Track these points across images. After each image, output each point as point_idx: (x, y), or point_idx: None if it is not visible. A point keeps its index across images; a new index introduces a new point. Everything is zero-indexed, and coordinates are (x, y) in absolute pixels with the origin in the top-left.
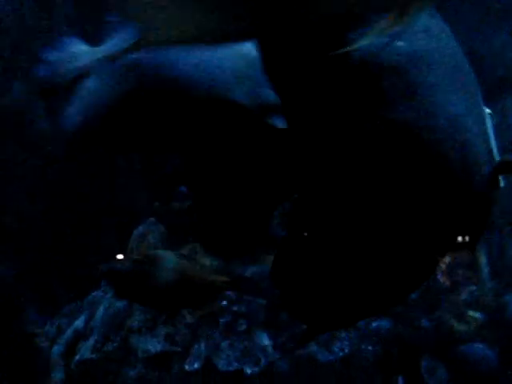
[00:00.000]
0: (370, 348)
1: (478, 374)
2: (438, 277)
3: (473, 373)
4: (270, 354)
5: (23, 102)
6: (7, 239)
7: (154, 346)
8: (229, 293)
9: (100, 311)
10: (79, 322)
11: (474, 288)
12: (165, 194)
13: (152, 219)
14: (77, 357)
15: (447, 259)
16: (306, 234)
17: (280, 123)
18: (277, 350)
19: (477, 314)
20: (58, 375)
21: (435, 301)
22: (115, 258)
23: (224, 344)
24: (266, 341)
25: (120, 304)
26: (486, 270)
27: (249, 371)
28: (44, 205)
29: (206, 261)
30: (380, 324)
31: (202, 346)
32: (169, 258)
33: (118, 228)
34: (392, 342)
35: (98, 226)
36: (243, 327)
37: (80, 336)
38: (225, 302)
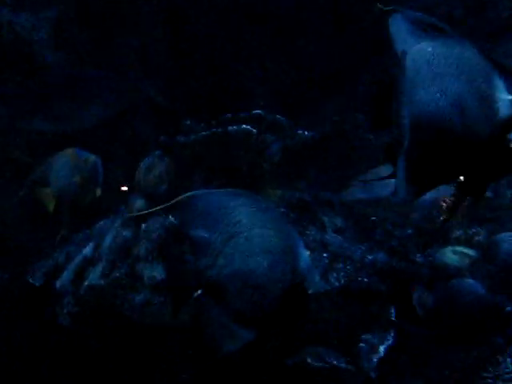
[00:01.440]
0: (365, 279)
1: (467, 307)
2: (436, 214)
3: (462, 306)
4: None
5: None
6: None
7: (159, 273)
8: None
9: (108, 239)
10: (87, 250)
11: (467, 225)
12: (171, 127)
13: (158, 152)
14: (85, 283)
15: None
16: None
17: None
18: None
19: (470, 251)
20: (67, 300)
21: (430, 237)
22: (122, 191)
23: None
24: None
25: (127, 233)
26: None
27: None
28: None
29: None
30: (376, 257)
31: None
32: None
33: (124, 161)
34: (387, 274)
35: (104, 159)
36: None
37: (88, 263)
38: None
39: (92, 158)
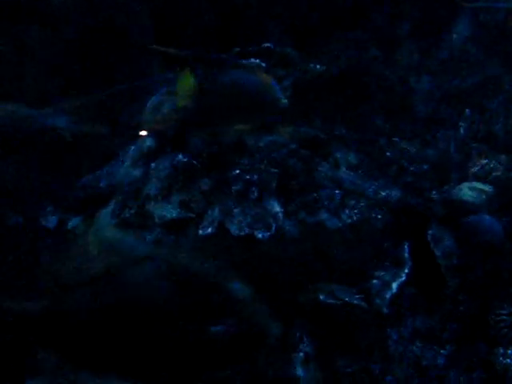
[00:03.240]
0: (378, 216)
1: (484, 243)
2: (451, 150)
3: (478, 242)
4: (281, 220)
5: None
6: None
7: (169, 212)
8: (242, 161)
9: (117, 180)
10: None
11: (485, 162)
12: (177, 64)
13: (165, 89)
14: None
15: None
16: None
17: None
18: (287, 217)
19: (486, 187)
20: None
21: (446, 174)
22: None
23: (236, 210)
24: (276, 208)
25: (137, 172)
26: None
27: (259, 236)
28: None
29: None
30: (390, 193)
31: (216, 212)
32: None
33: (132, 99)
34: (401, 211)
35: (113, 98)
36: (255, 195)
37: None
38: (237, 171)
39: None
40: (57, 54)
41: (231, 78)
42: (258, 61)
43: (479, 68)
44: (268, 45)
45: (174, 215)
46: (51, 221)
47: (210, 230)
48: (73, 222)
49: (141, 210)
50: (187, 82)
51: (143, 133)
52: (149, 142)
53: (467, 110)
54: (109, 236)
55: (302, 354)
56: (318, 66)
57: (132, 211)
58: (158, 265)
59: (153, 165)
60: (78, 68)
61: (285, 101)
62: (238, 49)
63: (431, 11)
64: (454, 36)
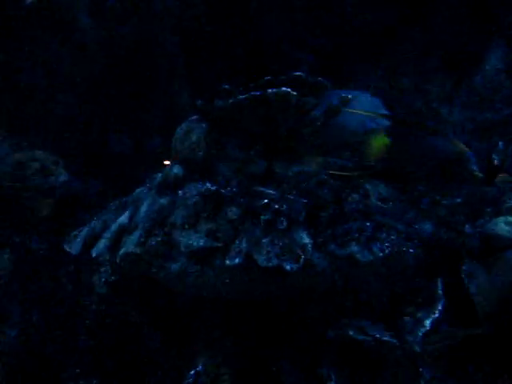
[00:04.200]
0: (411, 250)
1: None
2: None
3: None
4: (309, 252)
5: None
6: None
7: (196, 241)
8: (270, 191)
9: (144, 207)
10: (124, 218)
11: None
12: (208, 91)
13: (195, 117)
14: (121, 250)
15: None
16: None
17: None
18: (316, 248)
19: None
20: (103, 268)
21: (480, 208)
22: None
23: (265, 241)
24: (305, 239)
25: (164, 200)
26: None
27: (288, 267)
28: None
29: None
30: (422, 227)
31: (244, 241)
32: None
33: (161, 126)
34: (433, 245)
35: (142, 125)
36: (284, 225)
37: (124, 231)
38: (266, 200)
39: None
40: (86, 80)
41: (427, 143)
42: (289, 90)
43: None
44: (299, 73)
45: (201, 244)
46: (75, 247)
47: (237, 260)
48: (97, 249)
49: (167, 237)
50: (380, 141)
51: (170, 159)
52: (176, 169)
53: (500, 142)
54: None
55: None
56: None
57: (158, 239)
58: None
59: (180, 192)
60: (107, 94)
61: (480, 175)
62: (268, 77)
63: (464, 41)
64: (487, 67)
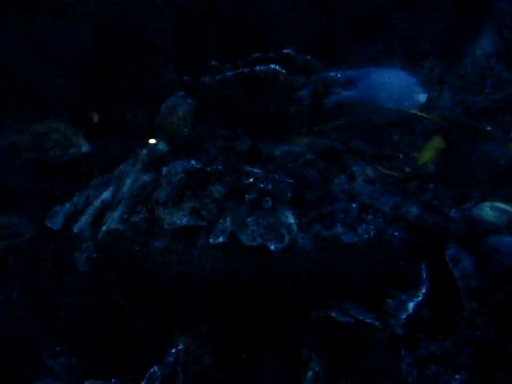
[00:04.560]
0: (396, 233)
1: (504, 265)
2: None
3: (499, 264)
4: (294, 232)
5: None
6: None
7: (180, 218)
8: (256, 170)
9: (127, 183)
10: (106, 194)
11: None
12: (195, 67)
13: (181, 93)
14: (104, 227)
15: None
16: None
17: None
18: (301, 229)
19: (508, 208)
20: (85, 245)
21: (466, 193)
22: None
23: (249, 220)
24: (291, 219)
25: (147, 177)
26: None
27: (272, 247)
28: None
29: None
30: (407, 210)
31: (228, 220)
32: None
33: (147, 102)
34: (419, 229)
35: (128, 100)
36: (269, 204)
37: (107, 207)
38: (252, 179)
39: None
40: (72, 54)
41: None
42: (277, 67)
43: (502, 85)
44: (288, 51)
45: (185, 222)
46: (56, 223)
47: (220, 238)
48: (79, 225)
49: (150, 215)
50: (436, 145)
51: (156, 136)
52: (161, 146)
53: (489, 127)
54: None
55: (311, 373)
56: (338, 75)
57: (141, 216)
58: None
59: (164, 169)
60: (93, 67)
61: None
62: (257, 54)
63: (454, 26)
64: (478, 53)
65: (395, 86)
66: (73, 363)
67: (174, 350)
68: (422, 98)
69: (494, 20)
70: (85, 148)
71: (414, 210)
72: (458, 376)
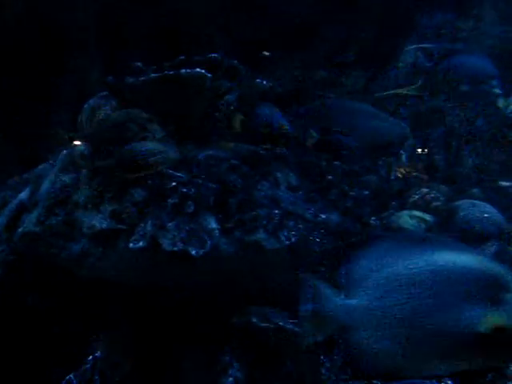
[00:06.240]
0: (317, 239)
1: None
2: (392, 178)
3: None
4: (217, 237)
5: None
6: None
7: (99, 222)
8: (179, 174)
9: (46, 184)
10: (23, 195)
11: (426, 191)
12: (119, 67)
13: (104, 93)
14: (20, 229)
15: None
16: None
17: None
18: (224, 234)
19: (426, 216)
20: (0, 248)
21: (386, 201)
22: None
23: (170, 225)
24: (213, 224)
25: (67, 178)
26: None
27: (194, 252)
28: None
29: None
30: (329, 217)
31: (149, 224)
32: None
33: (70, 102)
34: (339, 235)
35: (47, 99)
36: (191, 209)
37: (24, 209)
38: (174, 183)
39: None
40: None
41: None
42: (203, 71)
43: (423, 98)
44: (215, 55)
45: (104, 226)
46: None
47: (141, 243)
48: None
49: (68, 217)
50: None
51: (77, 136)
52: (82, 147)
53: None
54: None
55: (231, 380)
56: (264, 82)
57: (59, 218)
58: None
59: (84, 171)
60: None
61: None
62: (182, 57)
63: (381, 38)
64: (400, 64)
65: None
66: None
67: (91, 357)
68: None
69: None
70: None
71: (335, 216)
72: None
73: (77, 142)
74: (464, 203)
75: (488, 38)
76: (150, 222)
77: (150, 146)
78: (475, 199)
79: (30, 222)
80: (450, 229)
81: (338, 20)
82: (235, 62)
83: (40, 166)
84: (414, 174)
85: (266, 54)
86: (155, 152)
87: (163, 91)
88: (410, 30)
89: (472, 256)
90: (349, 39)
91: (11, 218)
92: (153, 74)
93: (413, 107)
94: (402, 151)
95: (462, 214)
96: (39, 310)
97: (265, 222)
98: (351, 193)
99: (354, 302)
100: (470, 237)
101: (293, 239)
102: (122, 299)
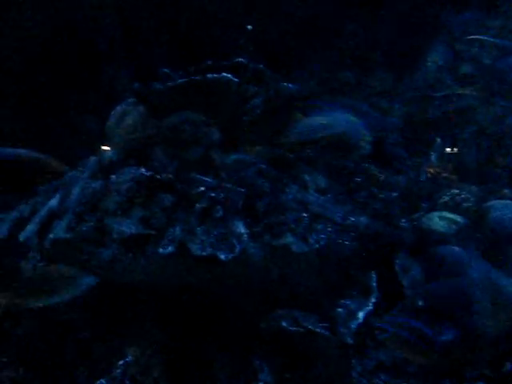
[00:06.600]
0: (346, 242)
1: (452, 275)
2: (422, 179)
3: (447, 274)
4: (245, 241)
5: None
6: None
7: (128, 227)
8: (207, 179)
9: (76, 191)
10: (54, 202)
11: (456, 192)
12: (146, 74)
13: (131, 99)
14: (51, 236)
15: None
16: None
17: None
18: (252, 238)
19: (457, 218)
20: (32, 253)
21: (416, 203)
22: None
23: (199, 229)
24: (241, 229)
25: (96, 185)
26: None
27: (223, 257)
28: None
29: None
30: (358, 219)
31: (177, 229)
32: None
33: (98, 108)
34: (369, 238)
35: (78, 106)
36: (219, 214)
37: (55, 215)
38: (202, 188)
39: None
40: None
41: None
42: (230, 76)
43: (452, 98)
44: (241, 60)
45: (133, 231)
46: (1, 231)
47: (170, 248)
48: (25, 233)
49: (99, 223)
50: None
51: (105, 143)
52: (110, 153)
53: (438, 139)
54: None
55: None
56: (290, 86)
57: (89, 224)
58: None
59: (113, 177)
60: (42, 75)
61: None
62: (209, 62)
63: (406, 38)
64: (429, 64)
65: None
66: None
67: (122, 362)
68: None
69: (445, 33)
70: None
71: (364, 219)
72: None
73: (105, 148)
74: (495, 204)
75: None
76: (178, 226)
77: None
78: (507, 200)
79: (60, 229)
80: (482, 230)
81: (362, 20)
82: (261, 66)
83: (70, 173)
84: (444, 174)
85: (249, 27)
86: None
87: (190, 96)
88: (437, 29)
89: None
90: (374, 39)
91: (42, 225)
92: (179, 80)
93: (442, 107)
94: (431, 152)
95: (493, 214)
96: (70, 315)
97: (293, 226)
98: (380, 195)
99: None
100: (502, 238)
101: (322, 242)
102: (152, 304)
